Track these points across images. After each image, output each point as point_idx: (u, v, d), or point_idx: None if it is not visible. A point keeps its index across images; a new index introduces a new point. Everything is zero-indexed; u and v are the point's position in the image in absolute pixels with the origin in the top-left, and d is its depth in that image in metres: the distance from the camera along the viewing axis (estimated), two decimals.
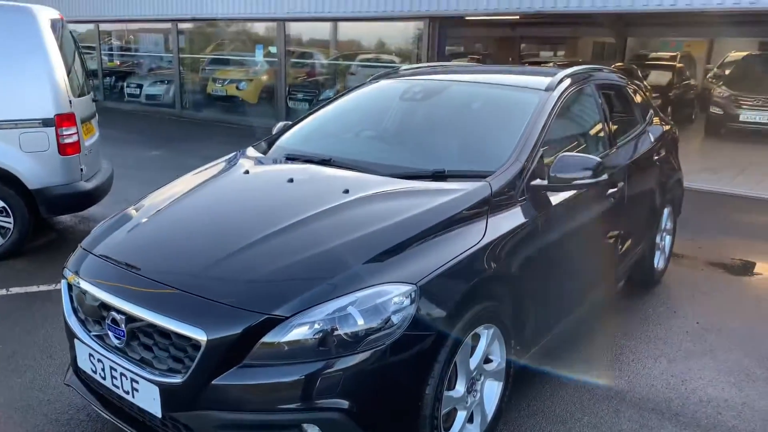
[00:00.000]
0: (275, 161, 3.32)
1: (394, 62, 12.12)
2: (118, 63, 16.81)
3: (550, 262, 2.92)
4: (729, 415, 3.02)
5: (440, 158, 3.05)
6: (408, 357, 2.15)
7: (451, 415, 2.48)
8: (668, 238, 4.87)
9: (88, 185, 5.15)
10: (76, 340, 2.47)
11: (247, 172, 3.14)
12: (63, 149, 4.90)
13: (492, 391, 2.67)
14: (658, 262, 4.64)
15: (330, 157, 3.15)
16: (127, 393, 2.28)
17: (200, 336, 2.06)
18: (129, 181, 6.76)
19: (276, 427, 2.09)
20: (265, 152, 3.50)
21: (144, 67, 16.01)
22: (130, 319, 2.25)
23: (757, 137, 11.80)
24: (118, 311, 2.27)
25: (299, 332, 2.06)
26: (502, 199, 2.73)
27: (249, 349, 2.06)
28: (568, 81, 3.49)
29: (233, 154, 3.52)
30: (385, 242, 2.34)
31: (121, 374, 2.28)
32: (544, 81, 3.43)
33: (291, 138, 3.64)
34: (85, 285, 2.44)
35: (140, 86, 14.96)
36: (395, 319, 2.12)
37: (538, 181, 2.91)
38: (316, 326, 2.06)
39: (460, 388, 2.45)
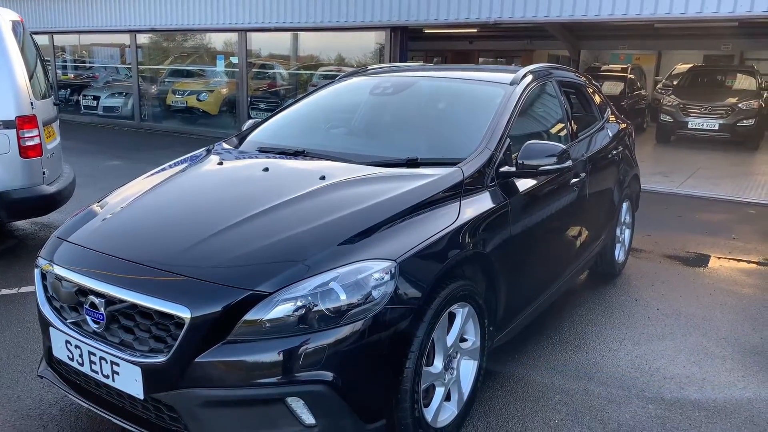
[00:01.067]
0: (248, 154, 3.35)
1: None
2: (72, 76, 16.51)
3: (520, 246, 3.02)
4: (691, 390, 3.16)
5: (412, 148, 3.12)
6: (388, 331, 2.21)
7: (429, 392, 2.54)
8: (627, 232, 5.06)
9: (51, 189, 5.05)
10: (51, 329, 2.44)
11: (221, 162, 3.16)
12: (24, 152, 4.81)
13: (468, 370, 2.74)
14: (619, 254, 4.81)
15: (303, 148, 3.20)
16: (107, 377, 2.27)
17: (184, 314, 2.07)
18: (89, 189, 6.64)
19: (260, 402, 2.11)
20: (236, 146, 3.53)
21: (101, 80, 15.75)
22: (110, 302, 2.24)
23: (704, 143, 12.36)
24: (97, 294, 2.26)
25: (283, 308, 2.09)
26: (473, 184, 2.82)
27: (232, 326, 2.08)
28: (530, 77, 3.63)
29: (205, 148, 3.53)
30: (364, 222, 2.40)
31: (101, 358, 2.26)
32: (508, 76, 3.57)
33: (262, 133, 3.67)
34: (60, 271, 2.42)
35: (97, 98, 14.69)
36: (376, 294, 2.17)
37: (506, 168, 3.02)
38: (299, 302, 2.10)
39: (438, 364, 2.52)
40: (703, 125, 12.36)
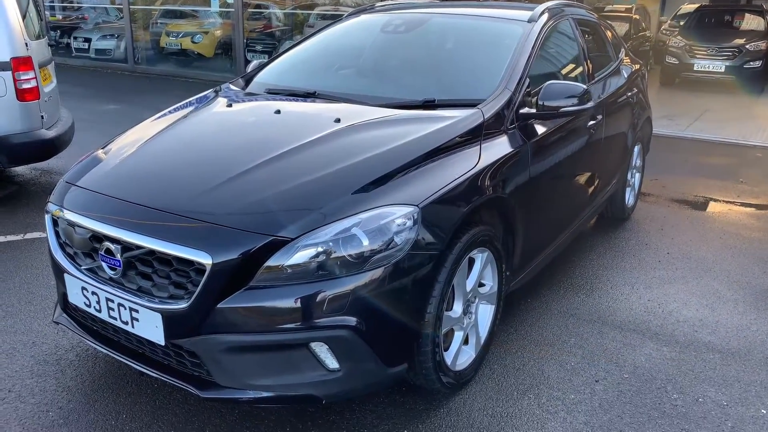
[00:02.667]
0: (257, 96, 3.24)
1: None
2: (60, 18, 16.00)
3: (538, 190, 2.97)
4: (704, 332, 3.17)
5: (428, 88, 3.03)
6: (411, 277, 2.17)
7: (448, 336, 2.54)
8: (638, 176, 5.00)
9: (50, 133, 4.93)
10: (66, 276, 2.40)
11: (230, 105, 3.06)
12: (21, 95, 4.67)
13: (485, 314, 2.73)
14: (629, 198, 4.77)
15: (314, 90, 3.10)
16: (126, 323, 2.24)
17: (205, 259, 2.03)
18: (89, 134, 6.51)
19: (283, 347, 2.10)
20: (243, 88, 3.41)
21: (90, 21, 15.26)
22: (126, 248, 2.19)
23: (710, 86, 12.14)
24: (113, 240, 2.21)
25: (305, 253, 2.05)
26: (493, 126, 2.74)
27: (254, 272, 2.04)
28: (547, 14, 3.49)
29: (212, 89, 3.42)
30: (384, 166, 2.33)
31: (119, 305, 2.23)
32: (525, 14, 3.44)
33: (269, 74, 3.55)
34: (73, 217, 2.36)
35: (88, 40, 14.25)
36: (398, 239, 2.13)
37: (526, 110, 2.93)
38: (321, 248, 2.06)
39: (458, 308, 2.50)
40: (709, 67, 12.13)
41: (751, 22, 13.21)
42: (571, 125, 3.29)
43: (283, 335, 2.07)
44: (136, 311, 2.19)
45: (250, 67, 3.84)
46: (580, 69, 3.73)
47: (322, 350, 2.10)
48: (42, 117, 4.87)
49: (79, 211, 2.36)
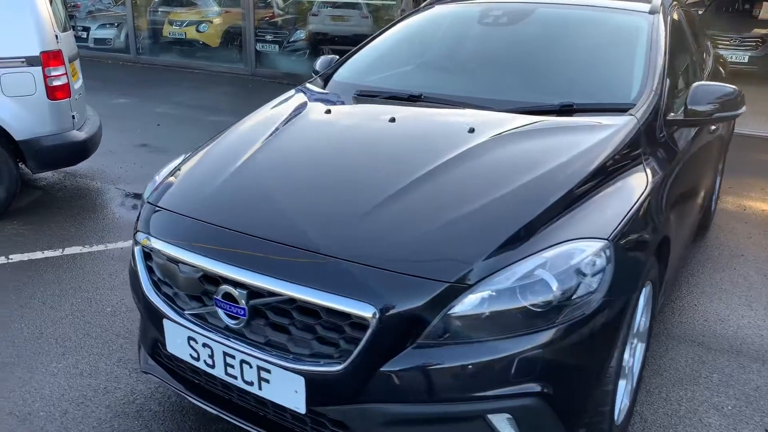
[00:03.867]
0: (351, 99, 2.82)
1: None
2: None
3: (683, 208, 2.60)
4: None
5: (557, 90, 2.63)
6: (602, 325, 1.79)
7: None
8: (718, 179, 4.65)
9: (81, 135, 4.48)
10: (165, 322, 1.99)
11: (329, 111, 2.64)
12: (51, 93, 4.21)
13: (638, 355, 2.36)
14: (713, 204, 4.42)
15: (420, 93, 2.69)
16: (250, 384, 1.84)
17: (368, 313, 1.63)
18: (105, 131, 6.03)
19: (457, 419, 1.71)
20: (325, 88, 3.00)
21: (83, 9, 14.61)
22: (254, 294, 1.79)
23: (732, 77, 11.75)
24: (236, 284, 1.81)
25: (484, 303, 1.66)
26: (648, 135, 2.36)
27: (424, 326, 1.65)
28: (666, 3, 3.11)
29: (292, 92, 3.00)
30: (552, 190, 1.93)
31: (242, 362, 1.83)
32: (644, 4, 3.05)
33: (351, 72, 3.13)
34: (175, 252, 1.94)
35: (87, 29, 13.62)
36: (593, 282, 1.74)
37: (672, 116, 2.55)
38: (503, 295, 1.67)
39: (626, 354, 2.12)
40: (732, 58, 11.76)
41: None
42: (702, 132, 2.92)
43: (459, 406, 1.68)
44: (267, 371, 1.79)
45: (319, 65, 3.43)
46: (695, 66, 3.35)
47: (500, 422, 1.72)
48: (73, 117, 4.41)
49: (184, 244, 1.95)
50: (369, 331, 1.63)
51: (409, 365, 1.65)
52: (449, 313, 1.65)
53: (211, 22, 12.76)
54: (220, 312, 1.86)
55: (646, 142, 2.31)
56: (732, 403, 2.53)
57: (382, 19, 13.17)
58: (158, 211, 2.13)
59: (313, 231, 1.84)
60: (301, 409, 1.76)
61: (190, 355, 1.96)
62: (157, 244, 2.01)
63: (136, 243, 2.10)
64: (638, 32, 2.82)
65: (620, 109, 2.40)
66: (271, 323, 1.79)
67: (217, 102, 8.75)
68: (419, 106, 2.63)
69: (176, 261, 1.95)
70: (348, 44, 12.71)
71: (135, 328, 2.95)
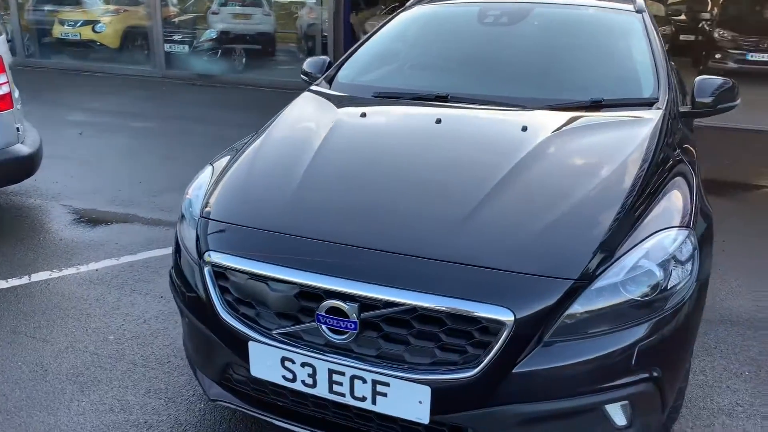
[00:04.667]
0: (376, 101, 2.76)
1: None
2: None
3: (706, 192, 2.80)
4: None
5: (580, 86, 2.72)
6: (695, 307, 1.91)
7: None
8: None
9: (27, 149, 4.07)
10: (251, 344, 1.87)
11: (364, 114, 2.57)
12: None
13: None
14: None
15: (446, 93, 2.69)
16: (362, 400, 1.78)
17: (506, 316, 1.63)
18: None
19: (580, 412, 1.75)
20: (337, 90, 2.93)
21: None
22: (366, 306, 1.73)
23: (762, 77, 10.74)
24: (344, 297, 1.73)
25: (602, 297, 1.71)
26: (674, 126, 2.53)
27: (551, 325, 1.68)
28: (643, 2, 3.33)
29: (307, 95, 2.90)
30: (630, 182, 2.01)
31: (354, 378, 1.76)
32: (627, 5, 3.26)
33: (358, 73, 3.09)
34: (265, 270, 1.83)
35: None
36: (687, 268, 1.85)
37: (683, 108, 2.74)
38: (618, 288, 1.73)
39: None
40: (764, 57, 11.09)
41: None
42: (688, 125, 3.15)
43: (585, 399, 1.72)
44: (385, 384, 1.74)
45: (310, 66, 3.34)
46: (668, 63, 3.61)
47: (614, 408, 1.78)
48: (18, 129, 4.00)
49: (274, 260, 1.84)
50: (504, 335, 1.63)
51: (540, 365, 1.67)
52: (572, 309, 1.69)
53: (110, 22, 11.97)
54: (324, 328, 1.78)
55: (674, 133, 2.47)
56: (747, 369, 2.77)
57: (285, 17, 13.02)
58: (227, 227, 2.00)
59: (418, 237, 1.80)
60: (425, 419, 1.73)
61: (283, 376, 1.86)
62: (236, 263, 1.89)
63: (205, 263, 1.95)
64: (635, 29, 3.00)
65: (647, 103, 2.54)
66: (384, 335, 1.74)
67: (134, 107, 8.25)
68: (448, 107, 2.63)
69: (264, 279, 1.84)
70: (257, 43, 12.40)
71: (151, 354, 2.75)
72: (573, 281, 1.69)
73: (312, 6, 11.42)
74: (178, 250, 2.21)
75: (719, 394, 2.59)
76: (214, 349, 2.01)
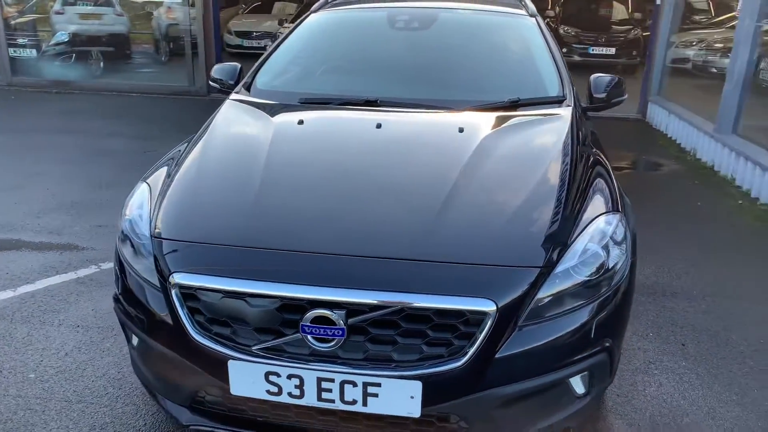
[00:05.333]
0: (305, 107, 2.77)
1: None
2: None
3: None
4: None
5: (494, 87, 2.93)
6: (631, 281, 2.15)
7: None
8: None
9: None
10: (231, 363, 1.84)
11: (301, 122, 2.58)
12: None
13: None
14: None
15: (375, 98, 2.77)
16: (352, 403, 1.82)
17: (489, 307, 1.75)
18: None
19: (549, 387, 1.92)
20: (255, 97, 2.90)
21: None
22: (352, 312, 1.77)
23: None
24: (330, 305, 1.76)
25: (563, 280, 1.90)
26: (582, 121, 2.80)
27: (524, 310, 1.83)
28: (533, 7, 3.63)
29: (232, 103, 2.84)
30: (562, 175, 2.22)
31: (344, 383, 1.80)
32: (520, 10, 3.52)
33: (277, 79, 3.09)
34: (242, 287, 1.81)
35: None
36: (623, 248, 2.09)
37: (584, 104, 3.04)
38: (573, 272, 1.92)
39: None
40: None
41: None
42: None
43: (554, 374, 1.89)
44: (376, 385, 1.79)
45: (217, 73, 3.27)
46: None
47: (576, 380, 1.98)
48: None
49: (251, 276, 1.82)
50: (488, 324, 1.76)
51: (518, 348, 1.81)
52: (540, 294, 1.85)
53: None
54: (309, 338, 1.79)
55: (584, 126, 2.75)
56: (651, 331, 3.14)
57: (141, 17, 12.34)
58: (190, 246, 1.93)
59: (396, 240, 1.88)
60: (416, 413, 1.81)
61: (267, 391, 1.85)
62: (207, 282, 1.84)
63: (171, 286, 1.88)
64: (533, 32, 3.27)
65: (556, 101, 2.80)
66: (371, 337, 1.79)
67: None
68: (381, 111, 2.70)
69: (242, 295, 1.81)
70: (112, 46, 11.65)
71: (85, 388, 2.56)
72: (539, 268, 1.85)
73: (172, 5, 10.91)
74: (122, 272, 2.10)
75: (633, 355, 2.93)
76: (184, 373, 1.95)
